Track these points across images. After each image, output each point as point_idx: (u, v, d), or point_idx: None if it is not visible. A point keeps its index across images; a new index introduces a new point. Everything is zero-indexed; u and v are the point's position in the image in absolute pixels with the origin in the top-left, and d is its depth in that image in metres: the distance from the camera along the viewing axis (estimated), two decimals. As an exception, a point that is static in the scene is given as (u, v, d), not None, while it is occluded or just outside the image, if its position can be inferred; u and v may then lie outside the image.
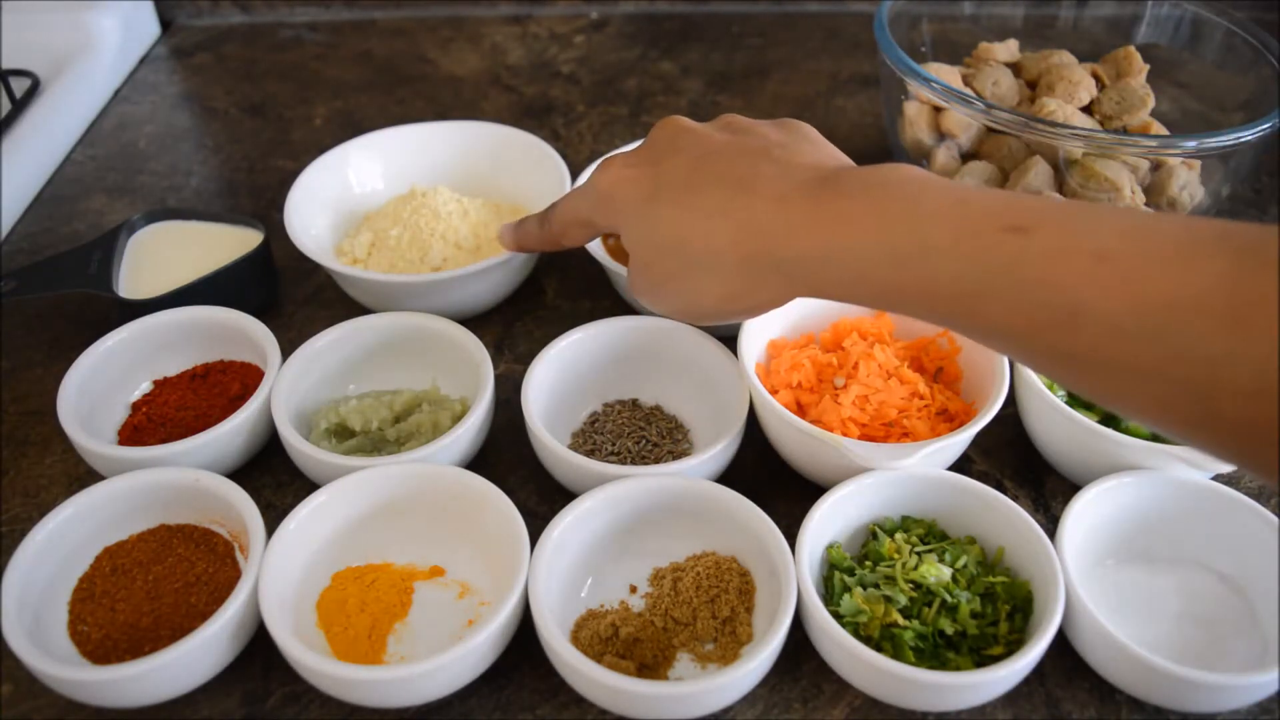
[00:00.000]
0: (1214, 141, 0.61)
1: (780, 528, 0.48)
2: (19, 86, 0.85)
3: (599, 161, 0.48)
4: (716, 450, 0.53)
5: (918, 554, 0.49)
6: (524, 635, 0.48)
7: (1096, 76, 0.72)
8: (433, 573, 0.51)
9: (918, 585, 0.48)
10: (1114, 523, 0.51)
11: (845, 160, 0.44)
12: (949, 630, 0.47)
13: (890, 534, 0.51)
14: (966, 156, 0.71)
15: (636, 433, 0.58)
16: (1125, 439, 0.51)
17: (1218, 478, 0.54)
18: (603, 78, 0.96)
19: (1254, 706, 0.47)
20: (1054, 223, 0.34)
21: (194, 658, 0.44)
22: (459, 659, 0.44)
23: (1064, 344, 0.33)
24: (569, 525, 0.49)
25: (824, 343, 0.60)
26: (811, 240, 0.39)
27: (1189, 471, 0.51)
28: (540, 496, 0.56)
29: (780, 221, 0.40)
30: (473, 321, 0.66)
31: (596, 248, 0.65)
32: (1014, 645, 0.46)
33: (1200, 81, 0.75)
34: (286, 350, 0.58)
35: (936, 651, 0.47)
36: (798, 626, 0.47)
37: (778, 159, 0.43)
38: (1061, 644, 0.48)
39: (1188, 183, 0.66)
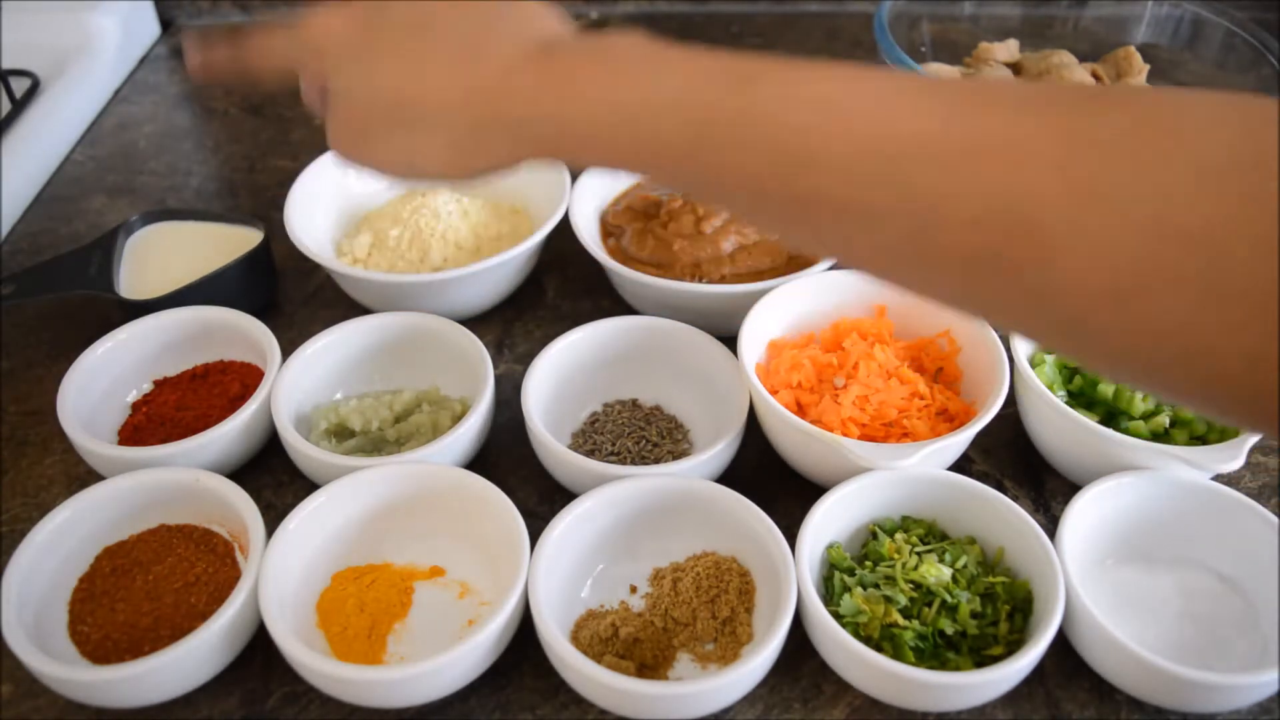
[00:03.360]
0: (1214, 141, 0.60)
1: (780, 528, 0.48)
2: (19, 86, 0.85)
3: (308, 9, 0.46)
4: (716, 450, 0.53)
5: (918, 554, 0.49)
6: (524, 635, 0.48)
7: (1096, 76, 0.72)
8: (433, 573, 0.51)
9: (918, 585, 0.48)
10: (1114, 523, 0.51)
11: (570, 29, 0.43)
12: (949, 630, 0.47)
13: (890, 534, 0.51)
14: (966, 156, 0.71)
15: (636, 433, 0.58)
16: (1125, 439, 0.51)
17: (1218, 478, 0.54)
18: (603, 78, 0.96)
19: (1254, 706, 0.47)
20: (780, 72, 0.34)
21: (194, 658, 0.44)
22: (459, 659, 0.44)
23: (795, 189, 0.33)
24: (569, 525, 0.49)
25: (824, 343, 0.60)
26: (541, 101, 0.39)
27: (1189, 471, 0.51)
28: (540, 496, 0.56)
29: (509, 84, 0.39)
30: (473, 321, 0.66)
31: (596, 248, 0.65)
32: (1014, 645, 0.46)
33: (1200, 81, 0.75)
34: (286, 350, 0.58)
35: (936, 652, 0.47)
36: (798, 626, 0.47)
37: (505, 22, 0.42)
38: (1061, 644, 0.48)
39: (1188, 183, 0.66)
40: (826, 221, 0.33)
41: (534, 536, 0.48)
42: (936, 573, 0.48)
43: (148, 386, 0.61)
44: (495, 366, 0.58)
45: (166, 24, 1.05)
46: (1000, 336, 0.57)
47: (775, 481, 0.57)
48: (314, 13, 0.45)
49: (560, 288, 0.71)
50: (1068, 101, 0.30)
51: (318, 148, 0.75)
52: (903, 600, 0.47)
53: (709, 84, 0.35)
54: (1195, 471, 0.51)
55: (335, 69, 0.44)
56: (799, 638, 0.48)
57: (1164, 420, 0.54)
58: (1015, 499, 0.55)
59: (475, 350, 0.58)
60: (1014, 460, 0.59)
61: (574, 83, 0.38)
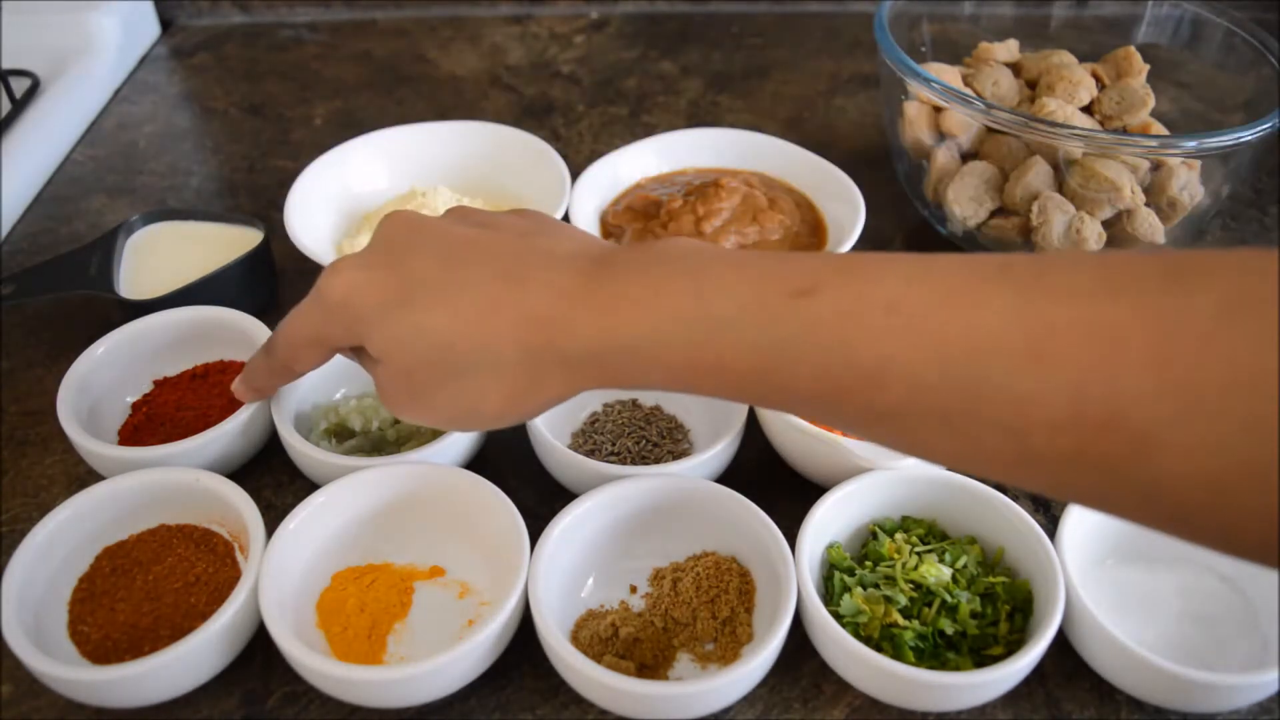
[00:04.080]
0: (1214, 141, 0.61)
1: (780, 528, 0.48)
2: (19, 86, 0.85)
3: (325, 269, 0.43)
4: (716, 450, 0.53)
5: (918, 554, 0.49)
6: (524, 635, 0.48)
7: (1096, 76, 0.72)
8: (433, 573, 0.51)
9: (918, 585, 0.48)
10: (1114, 523, 0.51)
11: (606, 244, 0.42)
12: (949, 630, 0.47)
13: (890, 534, 0.51)
14: (966, 156, 0.71)
15: (636, 433, 0.58)
16: (1125, 439, 0.51)
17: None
18: (603, 78, 0.96)
19: (1254, 706, 0.47)
20: (837, 280, 0.33)
21: (194, 658, 0.44)
22: (459, 659, 0.44)
23: (874, 403, 0.32)
24: (569, 525, 0.49)
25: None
26: (594, 329, 0.37)
27: (1189, 471, 0.51)
28: (540, 496, 0.56)
29: (559, 312, 0.38)
30: (473, 321, 0.66)
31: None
32: (1014, 645, 0.46)
33: (1200, 81, 0.75)
34: (286, 350, 0.58)
35: (936, 651, 0.47)
36: (798, 626, 0.47)
37: (539, 248, 0.40)
38: (1061, 644, 0.48)
39: (1188, 183, 0.66)
40: (905, 429, 0.32)
41: (534, 536, 0.48)
42: (936, 573, 0.48)
43: (148, 386, 0.61)
44: (495, 366, 0.58)
45: (166, 24, 1.05)
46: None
47: (775, 481, 0.57)
48: (331, 275, 0.42)
49: (560, 288, 0.71)
50: (1151, 280, 0.28)
51: (318, 148, 0.75)
52: (903, 600, 0.47)
53: (766, 302, 0.34)
54: (1195, 471, 0.51)
55: (370, 329, 0.41)
56: (799, 638, 0.48)
57: (1164, 420, 0.54)
58: (1015, 499, 0.54)
59: (475, 350, 0.58)
60: (1014, 460, 0.59)
61: (629, 303, 0.36)
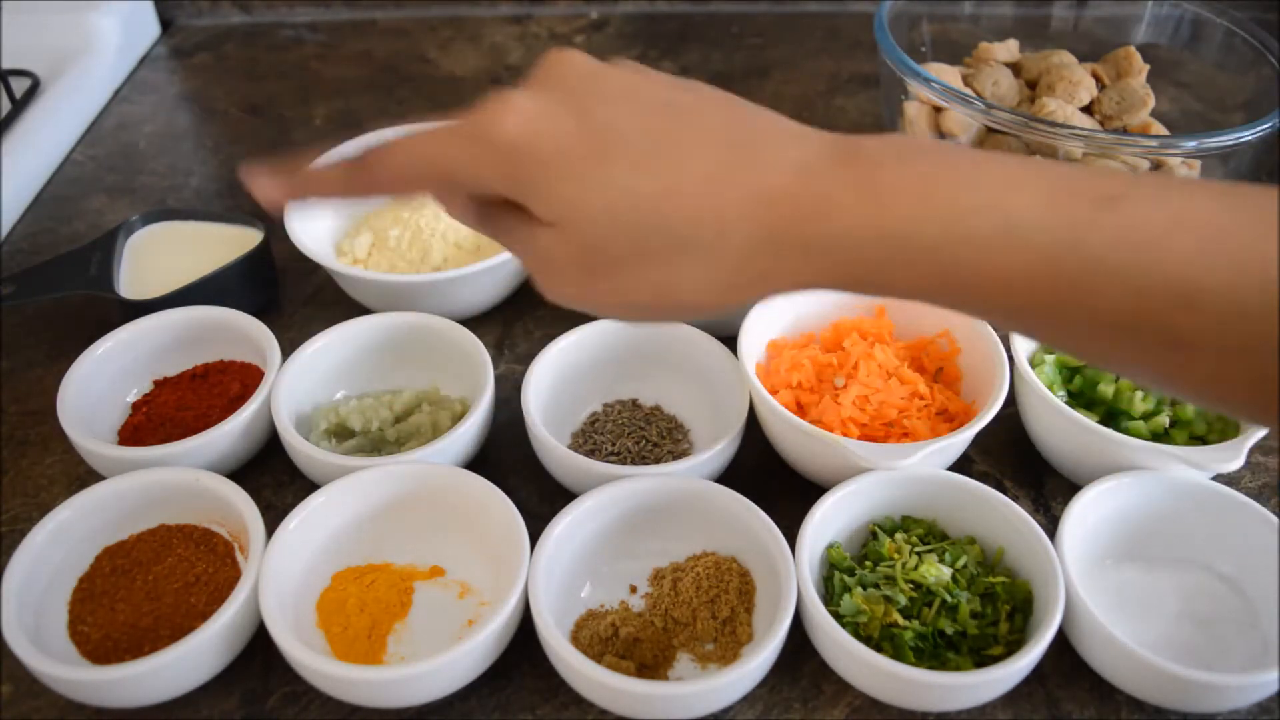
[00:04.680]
0: (1214, 141, 0.61)
1: (780, 528, 0.48)
2: (19, 86, 0.85)
3: (488, 102, 0.35)
4: (716, 450, 0.53)
5: (918, 554, 0.49)
6: (524, 635, 0.48)
7: (1096, 76, 0.72)
8: (433, 573, 0.51)
9: (918, 585, 0.48)
10: (1114, 523, 0.51)
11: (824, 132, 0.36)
12: (949, 630, 0.47)
13: (890, 534, 0.51)
14: (966, 156, 0.71)
15: (636, 433, 0.58)
16: (1125, 439, 0.51)
17: (1218, 478, 0.54)
18: (603, 78, 0.96)
19: (1254, 706, 0.47)
20: (1147, 193, 0.29)
21: (194, 658, 0.44)
22: (459, 659, 0.44)
23: (1175, 329, 0.29)
24: (569, 525, 0.49)
25: (824, 343, 0.60)
26: (854, 214, 0.32)
27: (1189, 471, 0.51)
28: (540, 496, 0.56)
29: (808, 190, 0.32)
30: (473, 321, 0.66)
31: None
32: (1014, 645, 0.46)
33: (1200, 81, 0.75)
34: (286, 350, 0.58)
35: (936, 651, 0.47)
36: (798, 626, 0.47)
37: (760, 116, 0.35)
38: (1061, 644, 0.48)
39: (1188, 183, 0.66)
40: (1198, 360, 0.29)
41: (534, 536, 0.48)
42: (936, 573, 0.48)
43: (148, 386, 0.61)
44: (495, 366, 0.58)
45: (166, 24, 1.05)
46: (1000, 336, 0.57)
47: (775, 481, 0.57)
48: (496, 106, 0.35)
49: (560, 288, 0.71)
50: None
51: (318, 148, 0.75)
52: (903, 600, 0.47)
53: (1068, 200, 0.30)
54: (1195, 471, 0.51)
55: (548, 185, 0.34)
56: (799, 638, 0.48)
57: (1164, 420, 0.54)
58: (1015, 499, 0.55)
59: (475, 350, 0.58)
60: (1014, 460, 0.59)
61: (892, 194, 0.31)
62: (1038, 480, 0.58)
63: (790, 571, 0.46)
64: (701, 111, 0.35)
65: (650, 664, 0.47)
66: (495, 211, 0.37)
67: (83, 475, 0.57)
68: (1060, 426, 0.54)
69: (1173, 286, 0.29)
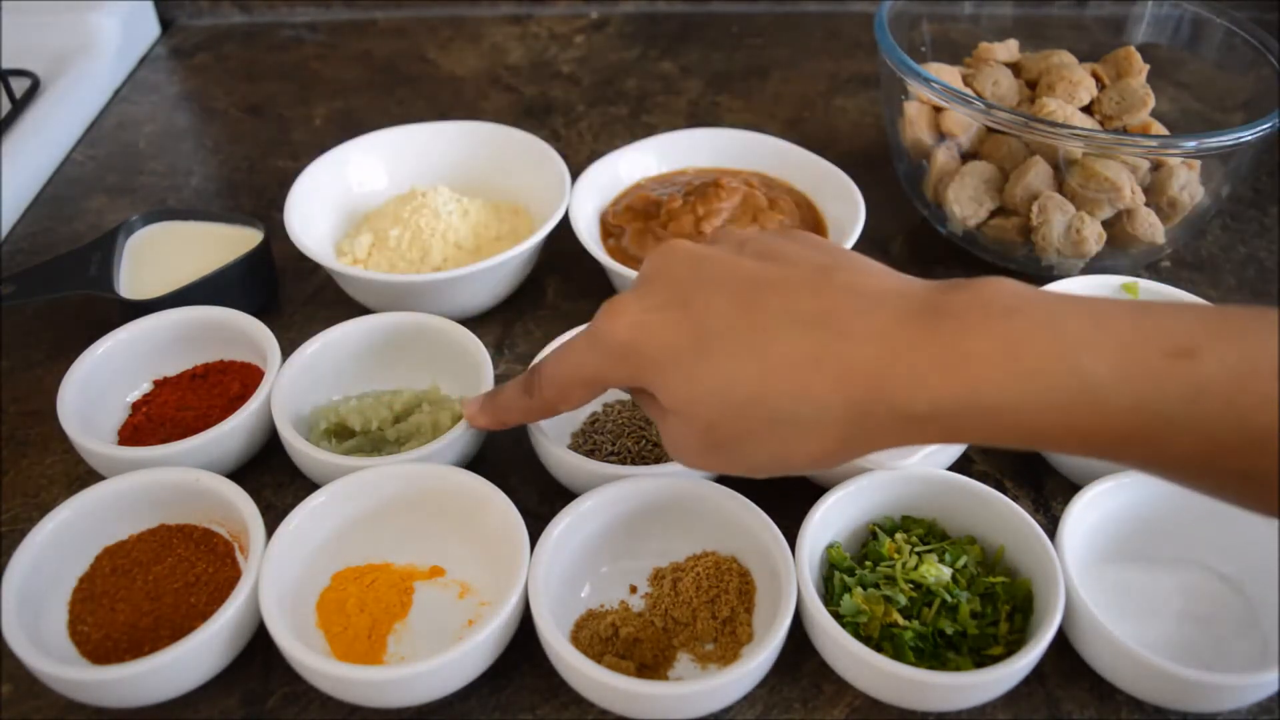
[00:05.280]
0: (1214, 141, 0.61)
1: (780, 528, 0.48)
2: (19, 86, 0.85)
3: (603, 307, 0.41)
4: (716, 450, 0.53)
5: (918, 554, 0.49)
6: (524, 635, 0.48)
7: (1096, 76, 0.72)
8: (433, 573, 0.51)
9: (918, 585, 0.48)
10: (1114, 523, 0.51)
11: (915, 281, 0.39)
12: (949, 630, 0.47)
13: (890, 534, 0.51)
14: (966, 156, 0.71)
15: (636, 433, 0.58)
16: (1125, 439, 0.51)
17: (1218, 478, 0.54)
18: (603, 78, 0.96)
19: (1254, 706, 0.47)
20: (1219, 341, 0.31)
21: (194, 658, 0.44)
22: (459, 659, 0.44)
23: (1254, 468, 0.31)
24: (569, 525, 0.49)
25: (824, 343, 0.60)
26: (941, 388, 0.34)
27: (1189, 471, 0.51)
28: (540, 496, 0.56)
29: (893, 366, 0.35)
30: (473, 321, 0.66)
31: (597, 248, 0.65)
32: (1014, 645, 0.46)
33: (1200, 81, 0.75)
34: (286, 350, 0.58)
35: (936, 651, 0.47)
36: (798, 626, 0.47)
37: (844, 285, 0.38)
38: (1061, 644, 0.48)
39: (1188, 183, 0.66)
40: (1272, 489, 0.31)
41: (534, 536, 0.48)
42: (936, 573, 0.48)
43: (148, 386, 0.61)
44: (495, 366, 0.58)
45: (166, 24, 1.05)
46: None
47: (775, 481, 0.57)
48: (610, 312, 0.40)
49: (560, 288, 0.71)
50: None
51: (318, 148, 0.75)
52: (903, 600, 0.47)
53: (1143, 363, 0.32)
54: (1195, 471, 0.51)
55: (666, 376, 0.39)
56: (799, 638, 0.48)
57: (1164, 420, 0.54)
58: (1015, 499, 0.55)
59: (475, 350, 0.58)
60: (1014, 460, 0.59)
61: (978, 363, 0.34)
62: (1038, 480, 0.58)
63: (790, 571, 0.46)
64: (786, 288, 0.38)
65: (650, 664, 0.47)
66: (639, 396, 0.43)
67: (83, 475, 0.57)
68: (1060, 426, 0.54)
69: (1247, 432, 0.30)
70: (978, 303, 0.35)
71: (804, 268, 0.39)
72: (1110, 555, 0.52)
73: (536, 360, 0.45)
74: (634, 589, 0.51)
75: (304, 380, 0.58)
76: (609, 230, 0.70)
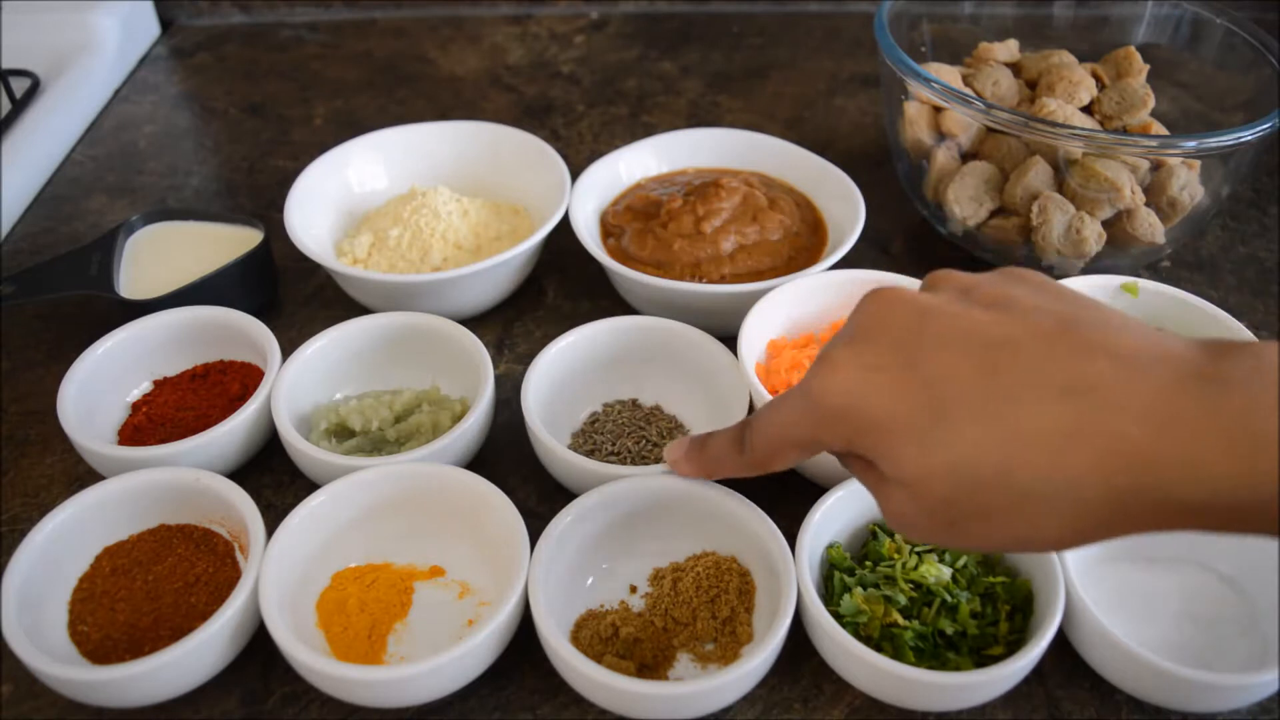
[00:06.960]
0: (1214, 141, 0.61)
1: (780, 528, 0.48)
2: (19, 86, 0.85)
3: (817, 360, 0.37)
4: (716, 450, 0.53)
5: (918, 554, 0.49)
6: (524, 635, 0.48)
7: (1096, 76, 0.72)
8: (433, 573, 0.51)
9: (918, 585, 0.48)
10: (1114, 523, 0.51)
11: (1175, 338, 0.34)
12: (949, 630, 0.47)
13: (890, 534, 0.51)
14: (966, 156, 0.71)
15: (636, 433, 0.58)
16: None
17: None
18: (603, 78, 0.96)
19: (1254, 706, 0.47)
20: None
21: (194, 658, 0.44)
22: (459, 659, 0.44)
23: None
24: (569, 525, 0.49)
25: (824, 342, 0.60)
26: (1225, 475, 0.29)
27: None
28: (540, 496, 0.56)
29: (1170, 447, 0.30)
30: (473, 321, 0.66)
31: (596, 248, 0.65)
32: (1014, 645, 0.46)
33: (1200, 81, 0.75)
34: (286, 350, 0.58)
35: (936, 651, 0.47)
36: (798, 626, 0.47)
37: (1093, 344, 0.33)
38: (1061, 644, 0.48)
39: (1188, 183, 0.66)
40: None
41: (534, 536, 0.48)
42: (936, 572, 0.48)
43: (148, 386, 0.61)
44: (495, 366, 0.58)
45: (166, 24, 1.05)
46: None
47: (775, 481, 0.57)
48: (828, 372, 0.36)
49: (560, 288, 0.71)
50: None
51: (318, 148, 0.75)
52: (903, 600, 0.47)
53: None
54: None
55: (888, 450, 0.35)
56: (799, 638, 0.48)
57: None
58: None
59: (475, 350, 0.58)
60: (1014, 460, 0.59)
61: (1264, 440, 0.29)
62: (1038, 480, 0.58)
63: (790, 571, 0.46)
64: (1028, 349, 0.34)
65: (650, 664, 0.47)
66: (850, 461, 0.39)
67: (83, 475, 0.57)
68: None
69: None
70: (1263, 371, 0.30)
71: (1045, 321, 0.35)
72: (1110, 555, 0.52)
73: (751, 415, 0.42)
74: (634, 589, 0.51)
75: (304, 380, 0.58)
76: (609, 230, 0.70)
